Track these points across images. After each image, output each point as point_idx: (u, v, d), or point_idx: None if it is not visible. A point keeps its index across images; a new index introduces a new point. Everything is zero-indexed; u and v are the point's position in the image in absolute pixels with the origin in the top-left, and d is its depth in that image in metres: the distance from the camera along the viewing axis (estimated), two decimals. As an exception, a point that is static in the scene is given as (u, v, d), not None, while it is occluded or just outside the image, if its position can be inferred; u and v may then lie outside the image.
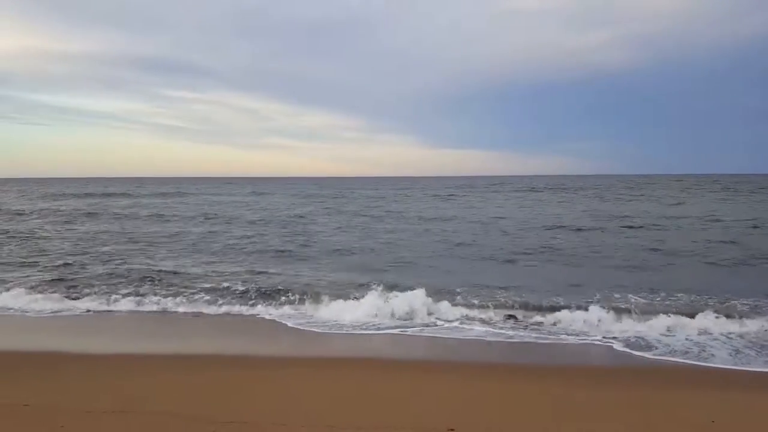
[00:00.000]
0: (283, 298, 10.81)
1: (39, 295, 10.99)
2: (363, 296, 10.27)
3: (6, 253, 16.58)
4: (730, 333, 8.39)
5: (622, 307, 9.74)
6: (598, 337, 8.33)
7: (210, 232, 22.34)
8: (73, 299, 10.94)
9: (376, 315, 9.58)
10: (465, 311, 9.69)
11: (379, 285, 10.86)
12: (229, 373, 6.64)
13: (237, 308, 10.37)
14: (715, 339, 8.18)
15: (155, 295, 11.07)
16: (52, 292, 11.30)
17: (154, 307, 10.47)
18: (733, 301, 10.01)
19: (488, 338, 8.52)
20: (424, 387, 6.20)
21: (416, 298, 9.87)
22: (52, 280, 12.40)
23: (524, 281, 12.23)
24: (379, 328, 9.06)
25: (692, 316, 8.99)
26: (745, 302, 9.95)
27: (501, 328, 8.87)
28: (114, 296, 10.99)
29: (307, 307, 10.26)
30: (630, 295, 10.59)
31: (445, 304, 9.87)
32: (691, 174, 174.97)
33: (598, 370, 7.22)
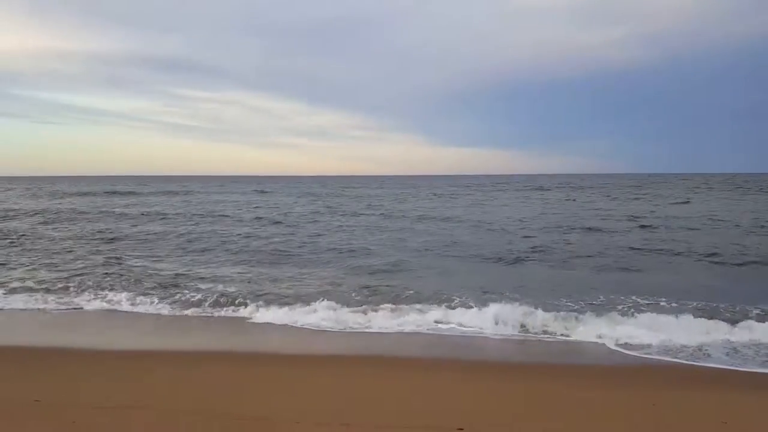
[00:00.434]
0: (286, 298, 10.77)
1: (49, 295, 11.08)
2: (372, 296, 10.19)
3: (6, 252, 16.70)
4: (741, 337, 8.27)
5: (630, 308, 9.68)
6: (608, 339, 8.27)
7: (222, 231, 22.45)
8: (80, 297, 11.02)
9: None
10: (468, 311, 9.62)
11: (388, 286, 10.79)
12: (241, 370, 6.66)
13: (242, 310, 10.27)
14: (725, 342, 8.09)
15: (161, 294, 11.09)
16: (59, 290, 11.43)
17: (163, 306, 10.50)
18: (745, 306, 9.85)
19: (497, 338, 8.50)
20: (434, 386, 6.20)
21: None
22: (58, 278, 12.49)
23: (529, 282, 12.21)
24: (389, 328, 9.04)
25: (707, 317, 8.90)
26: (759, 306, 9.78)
27: (512, 329, 8.82)
28: (123, 294, 11.02)
29: (316, 306, 10.25)
30: (634, 297, 10.51)
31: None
32: (719, 173, 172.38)
33: (606, 371, 7.17)
